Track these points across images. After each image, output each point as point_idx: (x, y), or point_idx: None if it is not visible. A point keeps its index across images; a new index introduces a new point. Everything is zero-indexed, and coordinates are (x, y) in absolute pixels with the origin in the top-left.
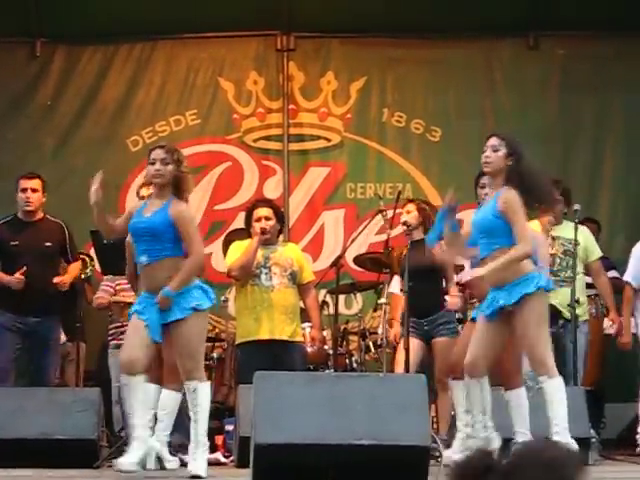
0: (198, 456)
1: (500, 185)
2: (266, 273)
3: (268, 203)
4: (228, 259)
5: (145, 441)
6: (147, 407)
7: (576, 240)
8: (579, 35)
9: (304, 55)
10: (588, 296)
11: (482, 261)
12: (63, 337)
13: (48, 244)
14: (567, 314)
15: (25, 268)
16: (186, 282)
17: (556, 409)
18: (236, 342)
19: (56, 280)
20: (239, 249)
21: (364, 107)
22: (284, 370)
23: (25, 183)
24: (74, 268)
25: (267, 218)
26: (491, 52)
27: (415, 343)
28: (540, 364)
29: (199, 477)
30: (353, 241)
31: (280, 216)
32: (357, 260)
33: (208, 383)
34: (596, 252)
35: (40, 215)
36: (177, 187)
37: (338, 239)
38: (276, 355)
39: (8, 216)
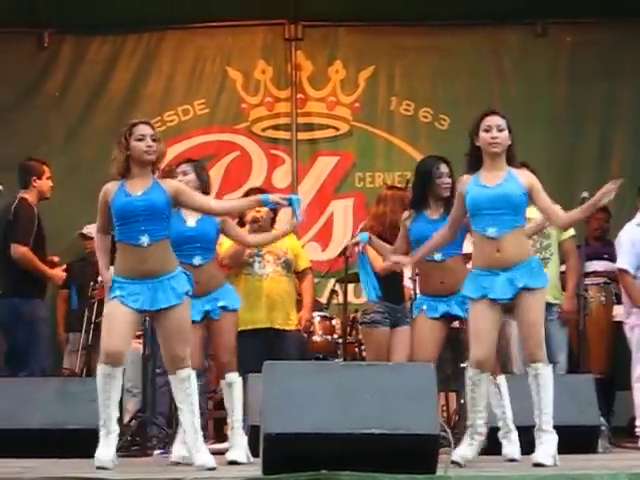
0: (201, 446)
1: (503, 165)
2: (259, 262)
3: (261, 192)
4: (222, 248)
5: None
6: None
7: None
8: (587, 22)
9: (312, 44)
10: (597, 284)
11: (494, 240)
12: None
13: None
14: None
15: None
16: None
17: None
18: None
19: None
20: None
21: (372, 96)
22: (279, 358)
23: None
24: None
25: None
26: (499, 39)
27: (386, 331)
28: None
29: (213, 469)
30: (362, 230)
31: None
32: None
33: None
34: (569, 230)
35: None
36: (153, 165)
37: (347, 228)
38: (270, 344)
39: None
